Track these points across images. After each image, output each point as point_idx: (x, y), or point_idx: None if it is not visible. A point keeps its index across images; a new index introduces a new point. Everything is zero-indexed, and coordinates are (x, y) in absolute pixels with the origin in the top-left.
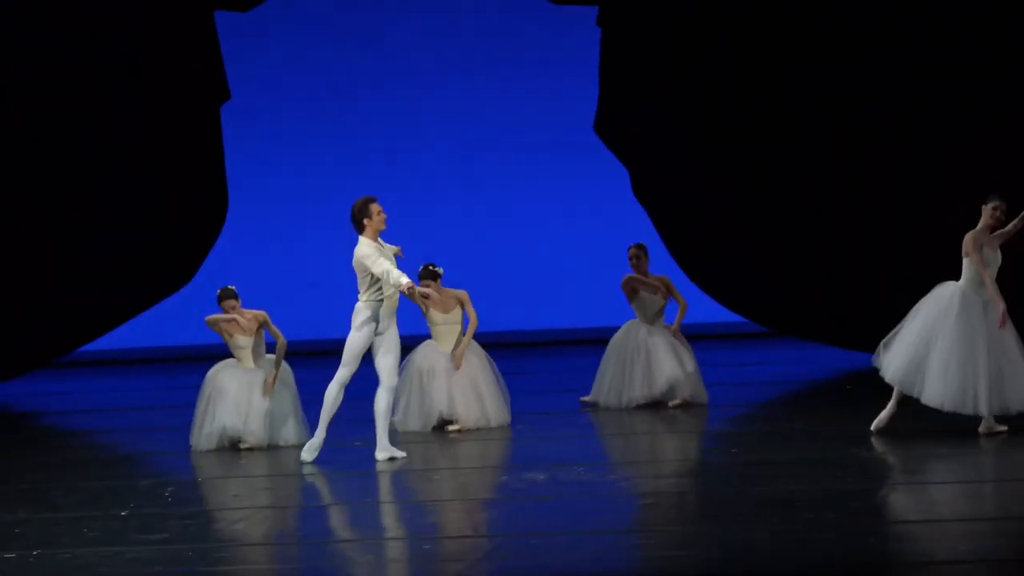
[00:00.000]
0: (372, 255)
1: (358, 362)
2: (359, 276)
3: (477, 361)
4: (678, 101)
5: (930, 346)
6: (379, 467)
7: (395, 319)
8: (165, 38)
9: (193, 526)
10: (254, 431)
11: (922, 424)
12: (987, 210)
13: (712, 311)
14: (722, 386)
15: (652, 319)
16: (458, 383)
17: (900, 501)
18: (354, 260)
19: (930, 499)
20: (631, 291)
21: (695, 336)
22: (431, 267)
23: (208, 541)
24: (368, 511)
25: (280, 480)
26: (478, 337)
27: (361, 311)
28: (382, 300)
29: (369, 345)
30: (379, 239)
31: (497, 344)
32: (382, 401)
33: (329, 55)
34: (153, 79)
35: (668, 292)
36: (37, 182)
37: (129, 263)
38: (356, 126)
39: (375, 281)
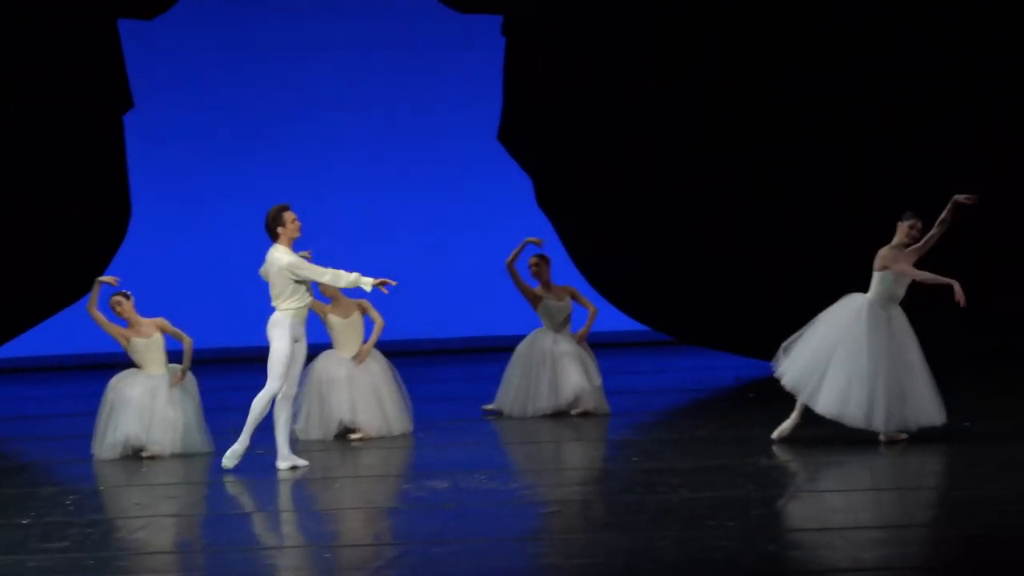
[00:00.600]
0: (300, 263)
1: (288, 373)
2: (277, 285)
3: (379, 369)
4: (581, 110)
5: (832, 355)
6: (281, 476)
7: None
8: (68, 46)
9: (94, 534)
10: (157, 440)
11: (823, 432)
12: (903, 227)
13: (615, 319)
14: (625, 394)
15: (559, 327)
16: (360, 391)
17: (801, 509)
18: (272, 269)
19: (831, 507)
20: (532, 300)
21: (598, 345)
22: None
23: (109, 549)
24: (269, 520)
25: (183, 488)
26: (381, 345)
27: (280, 321)
28: (301, 308)
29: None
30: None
31: (400, 352)
32: (283, 410)
33: (235, 62)
34: (55, 87)
35: (574, 299)
36: None
37: (29, 271)
38: (261, 133)
39: (296, 290)
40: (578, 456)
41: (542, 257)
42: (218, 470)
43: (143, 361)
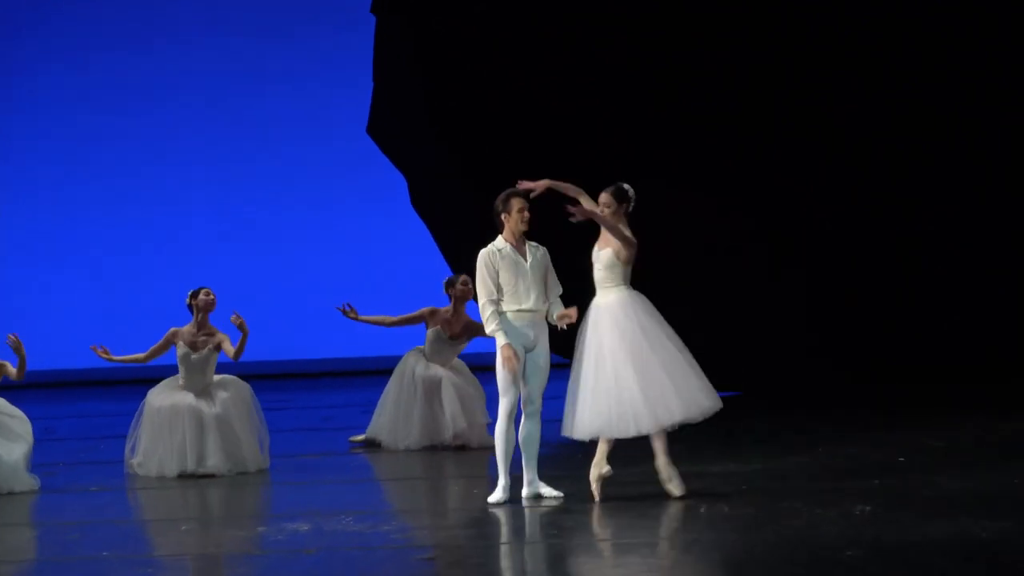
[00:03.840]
0: None
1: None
2: None
3: (231, 396)
4: (461, 97)
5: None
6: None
7: None
8: None
9: None
10: None
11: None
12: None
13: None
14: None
15: (443, 360)
16: (210, 422)
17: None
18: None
19: None
20: (431, 322)
21: (485, 368)
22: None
23: None
24: (100, 568)
25: (5, 531)
26: (233, 367)
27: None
28: None
29: None
30: None
31: (261, 375)
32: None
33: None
34: None
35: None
36: None
37: None
38: (94, 140)
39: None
40: (459, 495)
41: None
42: (46, 510)
43: None
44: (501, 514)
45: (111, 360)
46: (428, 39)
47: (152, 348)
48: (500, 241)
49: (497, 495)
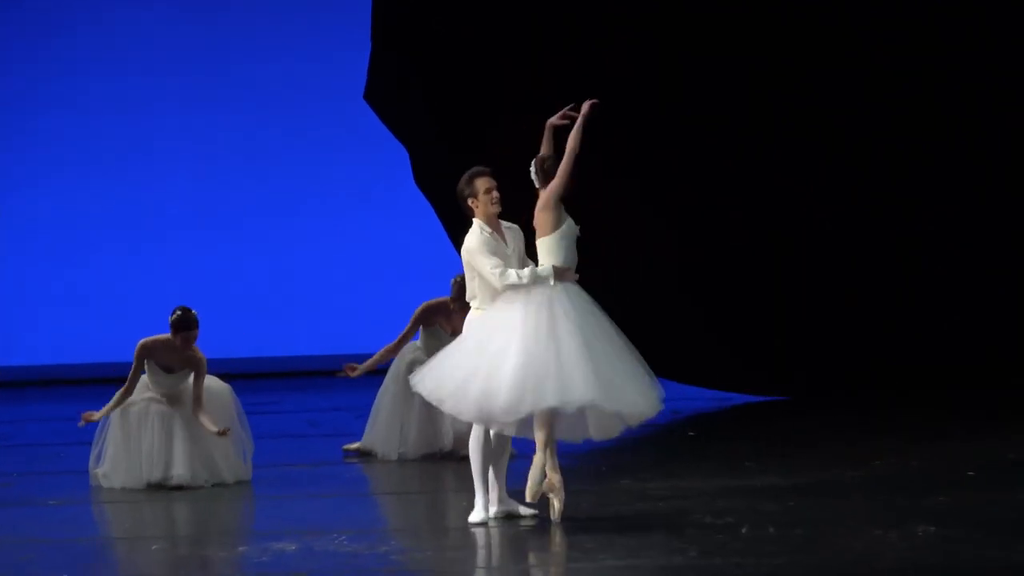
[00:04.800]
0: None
1: None
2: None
3: (209, 399)
4: (472, 59)
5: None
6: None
7: None
8: None
9: None
10: None
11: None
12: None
13: None
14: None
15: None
16: (178, 429)
17: None
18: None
19: None
20: (428, 321)
21: None
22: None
23: None
24: None
25: None
26: (216, 366)
27: None
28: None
29: None
30: None
31: (244, 375)
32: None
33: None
34: None
35: None
36: None
37: None
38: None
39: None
40: (463, 511)
41: None
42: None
43: None
44: (502, 534)
45: (95, 419)
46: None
47: (129, 378)
48: (480, 224)
49: (478, 514)
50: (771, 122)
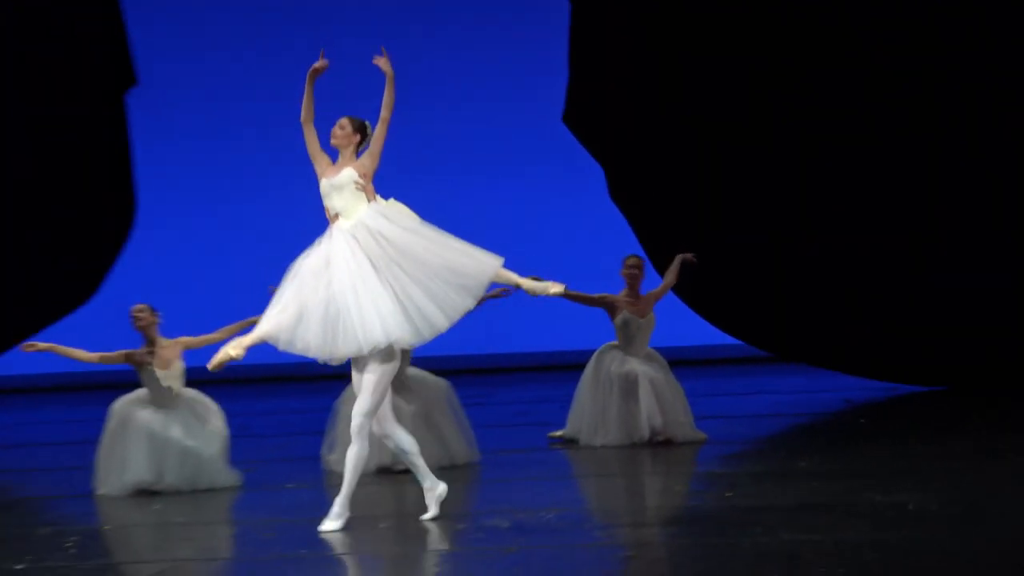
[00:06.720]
0: None
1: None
2: None
3: (429, 392)
4: (661, 84)
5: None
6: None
7: None
8: (63, 17)
9: None
10: (172, 475)
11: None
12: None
13: (702, 333)
14: (716, 419)
15: (636, 349)
16: (408, 419)
17: (923, 555)
18: None
19: (963, 553)
20: (611, 308)
21: (684, 362)
22: None
23: None
24: (301, 566)
25: (202, 529)
26: (431, 363)
27: None
28: None
29: None
30: None
31: (453, 371)
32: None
33: (250, 34)
34: (48, 63)
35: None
36: None
37: (20, 274)
38: (282, 116)
39: None
40: (660, 491)
41: (640, 260)
42: (243, 508)
43: (157, 395)
44: (701, 511)
45: None
46: (633, 19)
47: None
48: None
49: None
50: (779, 121)
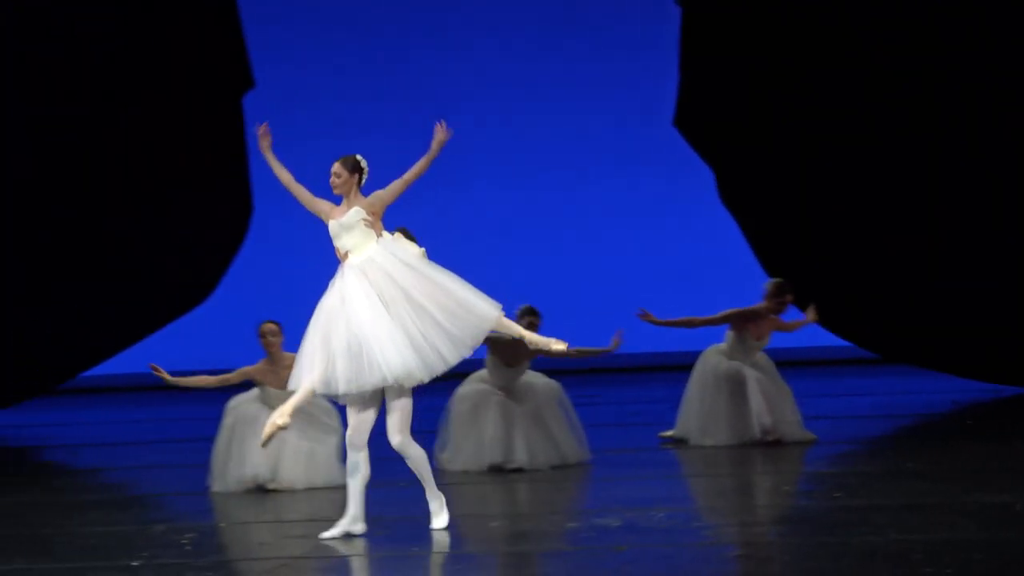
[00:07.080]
0: None
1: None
2: None
3: (540, 391)
4: (771, 88)
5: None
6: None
7: None
8: (182, 21)
9: None
10: (287, 473)
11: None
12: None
13: (811, 334)
14: (824, 420)
15: (745, 358)
16: (517, 418)
17: None
18: None
19: None
20: (743, 325)
21: (791, 363)
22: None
23: None
24: (412, 564)
25: (316, 527)
26: (545, 364)
27: None
28: None
29: None
30: None
31: (568, 371)
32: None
33: (367, 37)
34: (166, 66)
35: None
36: (42, 189)
37: (136, 276)
38: (395, 118)
39: None
40: (769, 491)
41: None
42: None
43: (274, 401)
44: (810, 511)
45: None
46: (742, 24)
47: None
48: None
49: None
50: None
